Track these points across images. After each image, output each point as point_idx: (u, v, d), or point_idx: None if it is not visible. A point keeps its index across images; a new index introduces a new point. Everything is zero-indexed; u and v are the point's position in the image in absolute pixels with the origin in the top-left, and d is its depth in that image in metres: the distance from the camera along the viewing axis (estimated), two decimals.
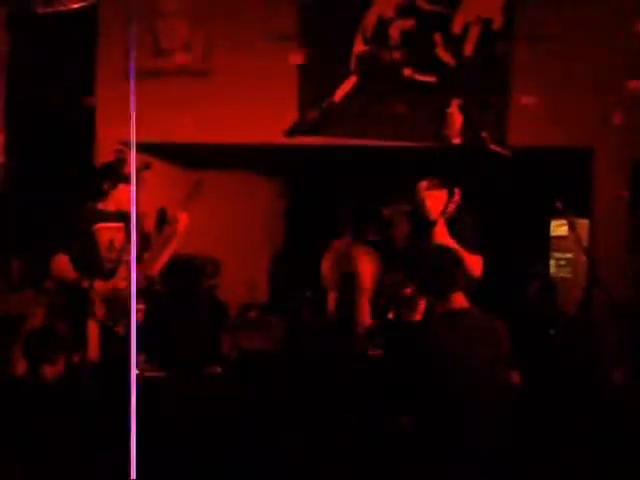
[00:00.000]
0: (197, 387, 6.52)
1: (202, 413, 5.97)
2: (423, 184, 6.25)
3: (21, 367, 5.89)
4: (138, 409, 5.61)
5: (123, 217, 6.16)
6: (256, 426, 5.70)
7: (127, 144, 7.38)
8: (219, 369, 7.09)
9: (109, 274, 6.16)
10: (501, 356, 4.80)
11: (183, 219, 6.23)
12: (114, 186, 6.15)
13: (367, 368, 6.29)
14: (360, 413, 5.67)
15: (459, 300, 4.76)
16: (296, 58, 7.70)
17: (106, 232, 6.17)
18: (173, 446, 5.60)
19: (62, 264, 6.12)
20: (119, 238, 6.20)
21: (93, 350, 6.12)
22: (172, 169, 8.75)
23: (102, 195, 6.18)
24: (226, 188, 8.61)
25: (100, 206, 6.23)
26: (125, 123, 7.75)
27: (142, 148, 7.54)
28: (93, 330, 6.14)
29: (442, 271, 4.84)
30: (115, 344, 6.02)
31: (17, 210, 7.87)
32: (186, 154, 8.60)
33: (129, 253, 6.09)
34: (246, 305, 8.62)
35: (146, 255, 6.31)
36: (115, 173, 6.22)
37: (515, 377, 5.32)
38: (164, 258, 6.35)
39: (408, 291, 6.00)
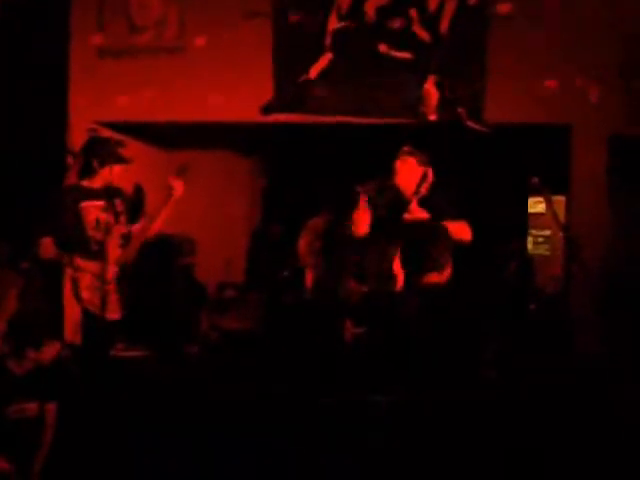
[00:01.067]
0: (176, 366, 6.60)
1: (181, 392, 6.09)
2: (406, 148, 6.35)
3: None
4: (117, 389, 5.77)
5: (109, 194, 6.05)
6: (235, 406, 5.81)
7: (100, 124, 7.49)
8: (196, 348, 7.13)
9: (95, 255, 5.99)
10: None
11: (178, 187, 6.03)
12: (103, 165, 6.02)
13: (347, 346, 6.37)
14: (340, 393, 5.76)
15: (433, 278, 4.85)
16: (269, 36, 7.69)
17: (92, 210, 6.02)
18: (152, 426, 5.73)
19: (48, 247, 5.99)
20: (105, 217, 6.04)
21: (72, 333, 6.00)
22: (147, 148, 8.71)
23: (90, 173, 6.05)
24: (203, 167, 8.59)
25: (85, 183, 6.10)
26: (99, 102, 7.87)
27: (116, 128, 7.68)
28: (73, 312, 6.03)
29: (421, 252, 4.94)
30: (97, 327, 5.91)
31: None
32: (161, 133, 8.56)
33: (115, 232, 6.03)
34: (223, 284, 8.63)
35: (135, 227, 6.18)
36: (105, 151, 6.08)
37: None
38: (157, 225, 6.16)
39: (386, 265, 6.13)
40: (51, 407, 5.33)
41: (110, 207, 6.03)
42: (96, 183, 6.08)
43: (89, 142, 6.30)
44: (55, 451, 5.29)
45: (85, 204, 6.02)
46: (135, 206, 6.41)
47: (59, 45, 7.84)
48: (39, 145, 7.77)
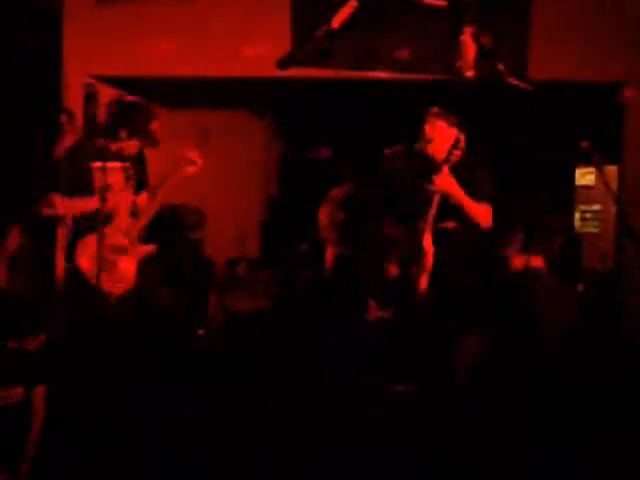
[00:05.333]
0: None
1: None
2: (434, 110, 6.25)
3: None
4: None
5: (122, 157, 6.05)
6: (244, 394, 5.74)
7: (98, 78, 7.42)
8: (203, 331, 7.10)
9: (104, 220, 5.87)
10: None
11: (198, 159, 6.17)
12: (131, 137, 6.03)
13: (371, 332, 6.27)
14: (358, 381, 5.69)
15: (536, 261, 4.85)
16: None
17: (102, 173, 5.91)
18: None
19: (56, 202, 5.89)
20: (115, 180, 5.99)
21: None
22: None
23: (112, 138, 6.02)
24: (212, 129, 8.52)
25: (100, 142, 6.03)
26: (96, 54, 7.77)
27: (115, 83, 7.59)
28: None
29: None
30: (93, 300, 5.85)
31: None
32: (166, 89, 8.42)
33: (127, 199, 6.06)
34: (233, 260, 8.56)
35: (140, 198, 6.18)
36: (138, 124, 6.04)
37: None
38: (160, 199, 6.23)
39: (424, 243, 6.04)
40: (39, 392, 5.29)
41: (124, 170, 6.03)
42: (113, 147, 6.02)
43: (123, 105, 6.16)
44: (46, 442, 5.24)
45: (95, 165, 5.92)
46: (139, 173, 6.39)
47: None
48: (31, 101, 7.59)
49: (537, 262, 5.01)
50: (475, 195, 5.97)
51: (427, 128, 6.19)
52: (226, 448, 5.28)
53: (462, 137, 6.04)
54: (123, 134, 5.99)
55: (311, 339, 6.41)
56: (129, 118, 6.05)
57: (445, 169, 5.98)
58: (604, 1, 7.22)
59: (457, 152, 6.04)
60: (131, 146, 6.07)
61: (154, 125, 6.10)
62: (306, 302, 7.24)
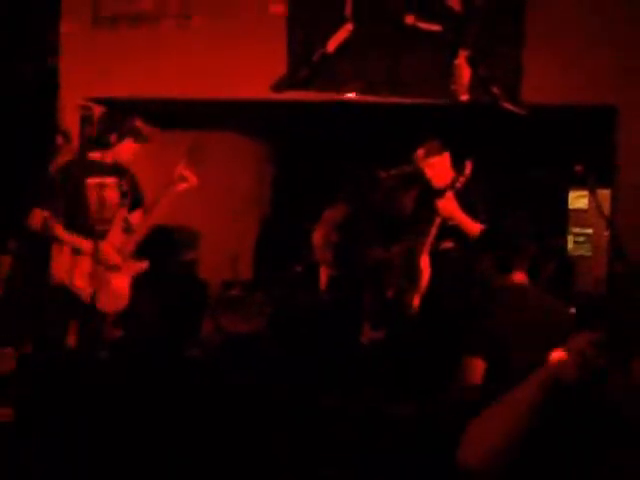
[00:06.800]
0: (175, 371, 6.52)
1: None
2: (420, 153, 6.42)
3: None
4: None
5: (118, 171, 6.19)
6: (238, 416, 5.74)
7: (94, 100, 7.45)
8: (198, 352, 7.08)
9: (98, 237, 5.95)
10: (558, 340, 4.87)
11: (192, 178, 6.29)
12: (121, 139, 6.15)
13: (365, 352, 6.30)
14: (356, 400, 5.69)
15: (519, 277, 4.84)
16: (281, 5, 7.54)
17: (97, 188, 6.09)
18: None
19: (37, 216, 5.96)
20: (111, 195, 6.14)
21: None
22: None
23: (105, 146, 6.14)
24: (207, 151, 8.51)
25: (94, 156, 6.14)
26: (92, 76, 7.77)
27: (112, 104, 7.60)
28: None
29: (518, 245, 4.93)
30: (87, 320, 5.97)
31: None
32: (160, 111, 8.33)
33: (120, 215, 6.20)
34: (229, 282, 8.55)
35: (133, 216, 6.32)
36: (125, 126, 6.21)
37: None
38: (154, 218, 6.39)
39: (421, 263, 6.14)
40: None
41: (119, 185, 6.18)
42: (107, 158, 6.15)
43: (108, 114, 6.42)
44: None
45: (90, 180, 6.07)
46: (133, 190, 6.45)
47: (49, 13, 7.75)
48: (27, 123, 7.67)
49: (520, 277, 4.97)
50: (475, 216, 6.12)
51: (427, 171, 6.37)
52: (216, 471, 5.30)
53: (469, 163, 6.19)
54: (114, 138, 6.14)
55: (306, 360, 6.41)
56: (115, 122, 6.22)
57: (450, 194, 6.10)
58: (598, 25, 7.18)
59: (462, 179, 6.13)
60: (125, 149, 6.19)
61: (138, 122, 6.26)
62: (301, 323, 7.22)
